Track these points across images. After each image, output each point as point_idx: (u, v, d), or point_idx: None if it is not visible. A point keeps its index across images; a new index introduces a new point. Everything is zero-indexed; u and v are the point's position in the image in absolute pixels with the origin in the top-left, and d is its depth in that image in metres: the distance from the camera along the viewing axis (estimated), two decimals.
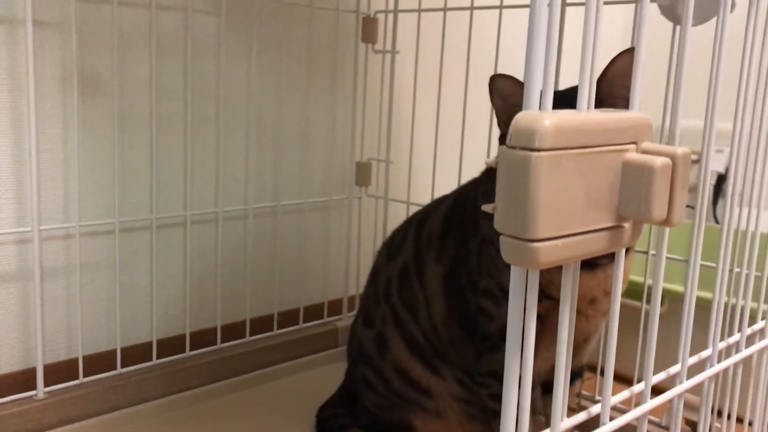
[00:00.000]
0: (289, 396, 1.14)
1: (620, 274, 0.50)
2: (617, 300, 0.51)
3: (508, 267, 0.86)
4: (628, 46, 0.74)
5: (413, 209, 1.24)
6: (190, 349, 1.14)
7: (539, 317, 0.87)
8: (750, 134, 0.77)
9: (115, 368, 1.06)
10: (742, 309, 0.78)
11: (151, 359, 1.09)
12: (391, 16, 1.28)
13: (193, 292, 1.17)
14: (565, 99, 0.84)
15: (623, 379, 1.07)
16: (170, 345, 1.13)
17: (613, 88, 0.83)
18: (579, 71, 0.43)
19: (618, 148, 0.42)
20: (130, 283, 1.11)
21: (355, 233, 1.35)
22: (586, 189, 0.41)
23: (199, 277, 1.18)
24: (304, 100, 1.26)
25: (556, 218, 0.39)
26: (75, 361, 1.03)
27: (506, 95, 0.86)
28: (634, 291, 1.12)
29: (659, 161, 0.41)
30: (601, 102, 0.83)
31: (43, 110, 0.99)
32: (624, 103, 0.84)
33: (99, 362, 1.06)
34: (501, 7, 1.15)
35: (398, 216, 1.27)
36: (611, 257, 0.86)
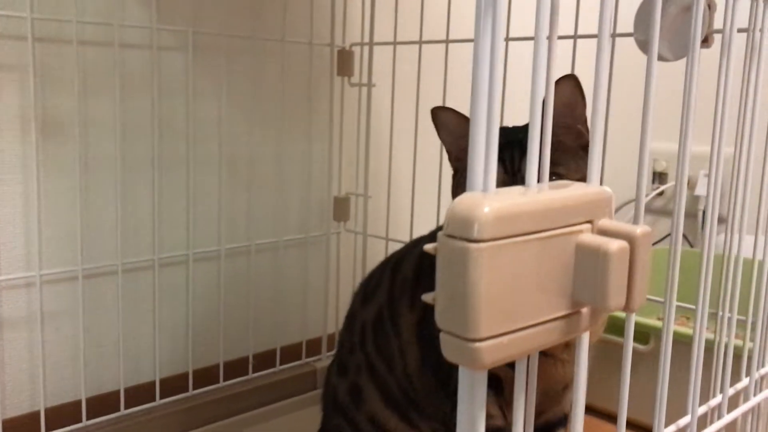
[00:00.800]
0: None
1: (583, 362, 0.46)
2: (581, 387, 0.47)
3: None
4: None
5: (393, 245, 1.21)
6: (161, 397, 1.10)
7: (511, 365, 0.84)
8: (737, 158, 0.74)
9: (80, 421, 1.02)
10: (750, 351, 0.75)
11: (118, 410, 1.05)
12: (366, 48, 1.24)
13: (163, 337, 1.13)
14: (509, 146, 0.81)
15: (611, 417, 1.03)
16: (139, 393, 1.09)
17: (561, 119, 0.80)
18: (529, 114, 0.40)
19: (571, 230, 0.39)
20: (96, 331, 1.07)
21: (334, 270, 1.32)
22: (535, 278, 0.37)
23: (171, 322, 1.14)
24: (279, 136, 1.22)
25: (501, 313, 0.36)
26: (37, 413, 0.99)
27: (451, 129, 0.84)
28: (616, 326, 1.08)
29: (614, 246, 0.37)
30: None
31: (1, 155, 0.96)
32: (569, 133, 0.81)
33: (64, 414, 1.02)
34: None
35: (378, 252, 1.23)
36: None
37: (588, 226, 0.40)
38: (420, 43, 1.19)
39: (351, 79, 1.27)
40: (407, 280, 0.93)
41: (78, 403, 1.03)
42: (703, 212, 1.67)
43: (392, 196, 1.27)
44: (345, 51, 1.27)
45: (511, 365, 0.83)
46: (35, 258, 0.99)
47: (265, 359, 1.23)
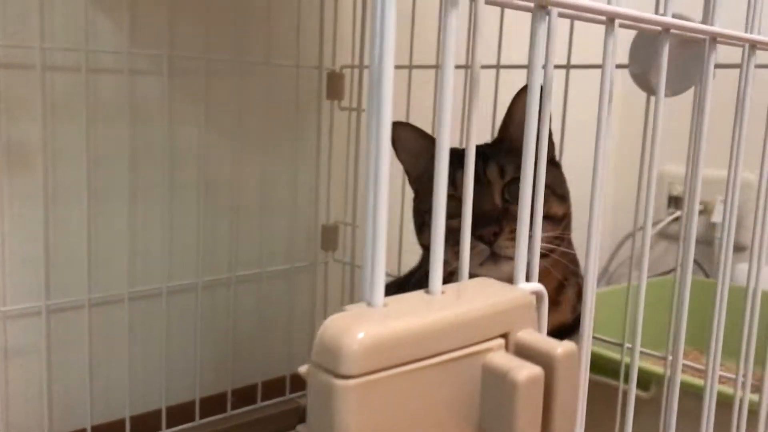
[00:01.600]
0: None
1: None
2: None
3: None
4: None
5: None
6: None
7: None
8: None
9: None
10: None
11: None
12: (357, 71, 1.19)
13: (136, 372, 1.08)
14: (479, 152, 0.76)
15: None
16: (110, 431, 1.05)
17: (519, 130, 0.75)
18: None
19: (479, 349, 0.33)
20: (66, 367, 1.03)
21: (321, 301, 1.26)
22: (429, 412, 0.31)
23: (144, 357, 1.09)
24: (264, 161, 1.17)
25: None
26: None
27: (409, 147, 0.80)
28: (610, 367, 1.01)
29: (523, 375, 0.31)
30: (511, 149, 0.74)
31: None
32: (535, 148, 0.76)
33: None
34: (467, 66, 1.06)
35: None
36: (553, 335, 0.77)
37: (500, 342, 0.34)
38: (410, 67, 1.13)
39: (341, 102, 1.21)
40: None
41: None
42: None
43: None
44: (335, 74, 1.21)
45: None
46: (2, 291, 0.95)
47: (245, 395, 1.18)
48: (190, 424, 1.11)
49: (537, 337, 0.34)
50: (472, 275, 0.69)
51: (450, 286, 0.35)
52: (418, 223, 0.79)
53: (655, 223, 1.71)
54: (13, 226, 0.96)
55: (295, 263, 1.23)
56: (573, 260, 0.80)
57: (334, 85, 1.21)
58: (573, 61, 0.97)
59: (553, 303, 0.78)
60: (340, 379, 0.28)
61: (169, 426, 1.09)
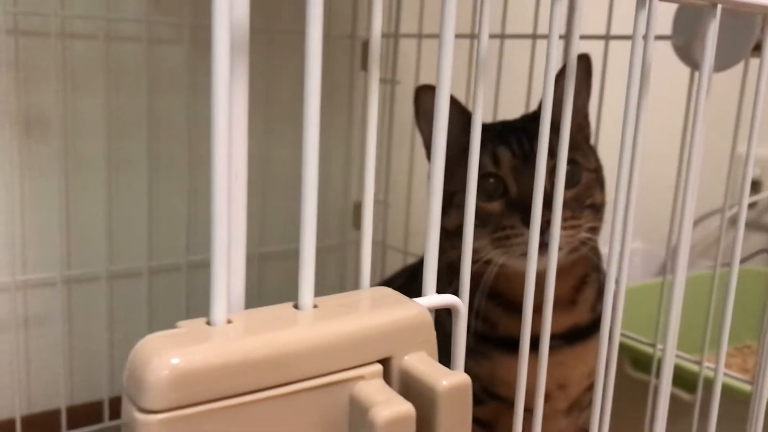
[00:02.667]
0: None
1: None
2: None
3: (448, 360, 0.72)
4: None
5: (411, 260, 1.10)
6: None
7: (486, 425, 0.71)
8: None
9: (59, 430, 0.98)
10: None
11: (102, 421, 1.01)
12: (391, 41, 1.12)
13: None
14: (513, 131, 0.68)
15: None
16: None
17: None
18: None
19: (342, 377, 0.27)
20: (85, 337, 1.03)
21: (352, 281, 1.22)
22: None
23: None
24: (294, 136, 1.13)
25: None
26: (12, 421, 0.96)
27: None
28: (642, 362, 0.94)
29: (384, 415, 0.25)
30: (551, 126, 0.67)
31: None
32: (575, 125, 0.68)
33: (43, 422, 0.99)
34: (503, 36, 0.98)
35: (396, 265, 1.13)
36: (565, 338, 0.70)
37: (377, 368, 0.28)
38: (419, 36, 1.06)
39: None
40: None
41: (57, 411, 0.99)
42: None
43: (412, 207, 1.15)
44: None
45: (484, 425, 0.70)
46: (20, 261, 0.95)
47: None
48: None
49: (423, 365, 0.28)
50: (507, 269, 0.62)
51: (329, 298, 0.29)
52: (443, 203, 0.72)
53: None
54: (32, 196, 0.96)
55: (326, 241, 1.19)
56: (597, 253, 0.72)
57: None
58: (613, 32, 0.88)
59: (570, 302, 0.70)
60: (142, 413, 0.24)
61: None
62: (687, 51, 0.77)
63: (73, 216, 0.99)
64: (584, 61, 0.66)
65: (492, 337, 0.70)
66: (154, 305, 1.06)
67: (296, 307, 0.28)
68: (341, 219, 1.20)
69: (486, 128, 0.72)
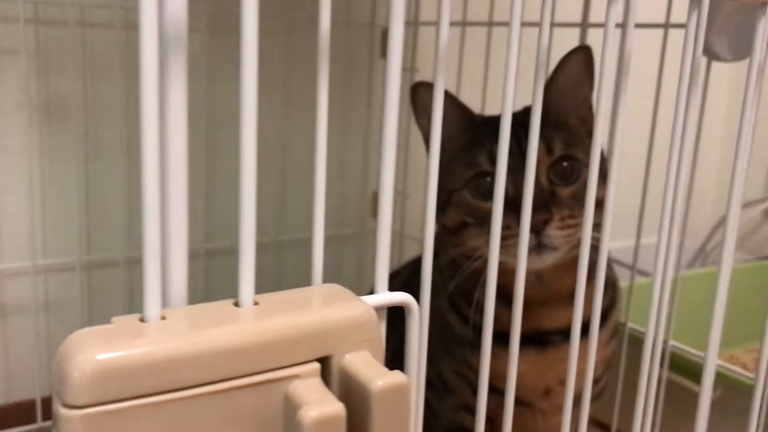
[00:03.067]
0: None
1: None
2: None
3: (449, 354, 0.71)
4: None
5: None
6: None
7: (487, 418, 0.71)
8: None
9: None
10: None
11: None
12: (410, 29, 1.12)
13: None
14: (513, 125, 0.66)
15: None
16: None
17: (564, 98, 0.65)
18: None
19: (277, 375, 0.27)
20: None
21: (370, 270, 1.22)
22: None
23: None
24: (312, 124, 1.13)
25: None
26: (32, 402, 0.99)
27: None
28: (684, 366, 0.91)
29: (312, 415, 0.25)
30: (549, 120, 0.65)
31: (4, 142, 0.94)
32: (574, 116, 0.67)
33: None
34: (524, 24, 0.96)
35: (413, 255, 1.12)
36: (566, 334, 0.68)
37: (315, 367, 0.28)
38: (463, 24, 1.04)
39: None
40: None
41: None
42: None
43: (430, 197, 1.14)
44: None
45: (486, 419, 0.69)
46: (39, 246, 0.97)
47: None
48: None
49: (362, 364, 0.28)
50: (506, 265, 0.61)
51: (272, 295, 0.29)
52: (440, 200, 0.71)
53: (759, 201, 1.54)
54: (52, 182, 0.98)
55: (344, 230, 1.19)
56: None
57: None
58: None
59: (572, 298, 0.69)
60: (66, 408, 0.24)
61: None
62: (705, 42, 0.74)
63: (93, 201, 1.01)
64: (585, 52, 0.64)
65: (494, 332, 0.69)
66: None
67: (237, 304, 0.28)
68: (359, 208, 1.20)
69: (486, 122, 0.70)
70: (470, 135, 0.67)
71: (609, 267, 0.73)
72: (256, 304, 0.28)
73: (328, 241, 1.24)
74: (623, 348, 0.85)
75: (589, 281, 0.71)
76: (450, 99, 0.68)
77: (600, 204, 0.67)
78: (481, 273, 0.67)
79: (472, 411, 0.73)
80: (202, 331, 0.26)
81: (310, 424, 0.25)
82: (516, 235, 0.61)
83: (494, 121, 0.70)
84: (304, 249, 1.14)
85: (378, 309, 0.31)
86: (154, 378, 0.25)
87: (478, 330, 0.70)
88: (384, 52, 1.13)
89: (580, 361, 0.70)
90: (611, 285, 0.72)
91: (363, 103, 1.16)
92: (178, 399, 0.25)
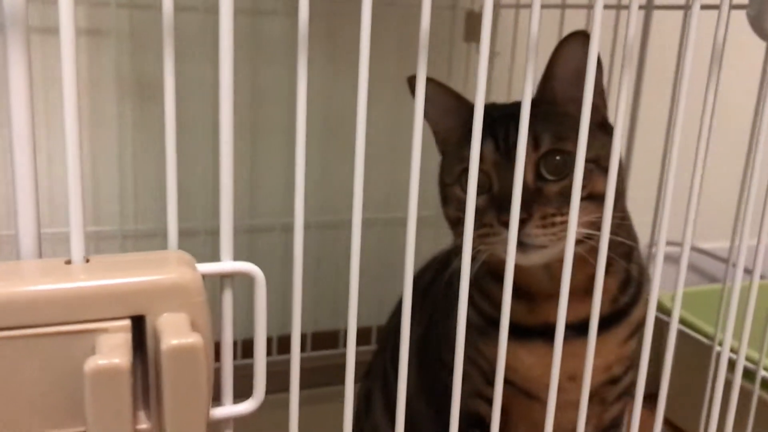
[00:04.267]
0: None
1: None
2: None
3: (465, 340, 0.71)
4: None
5: None
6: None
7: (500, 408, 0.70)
8: None
9: None
10: None
11: None
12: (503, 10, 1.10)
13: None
14: (505, 118, 0.64)
15: None
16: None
17: (566, 87, 0.62)
18: None
19: (87, 327, 0.29)
20: None
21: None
22: (7, 383, 0.29)
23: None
24: (394, 107, 1.14)
25: None
26: None
27: (435, 102, 0.69)
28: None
29: (92, 364, 0.27)
30: (551, 113, 0.62)
31: (102, 116, 1.04)
32: (578, 105, 0.63)
33: None
34: (619, 7, 0.92)
35: None
36: (577, 329, 0.65)
37: (125, 324, 0.30)
38: (563, 7, 1.01)
39: (479, 45, 1.13)
40: (421, 289, 0.83)
41: None
42: None
43: None
44: (475, 14, 1.13)
45: (489, 402, 0.69)
46: (127, 212, 1.07)
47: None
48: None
49: (169, 325, 0.29)
50: (500, 264, 0.61)
51: (107, 256, 0.32)
52: (442, 195, 0.70)
53: None
54: (142, 154, 1.06)
55: (423, 212, 1.19)
56: (620, 244, 0.67)
57: (472, 27, 1.13)
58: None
59: (585, 293, 0.66)
60: None
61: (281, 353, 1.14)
62: (758, 21, 0.68)
63: (180, 174, 1.08)
64: (582, 37, 0.61)
65: (499, 322, 0.68)
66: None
67: (67, 262, 0.31)
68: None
69: (485, 114, 0.69)
70: (467, 128, 0.66)
71: (632, 262, 0.69)
72: (87, 262, 0.31)
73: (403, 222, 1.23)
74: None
75: (605, 275, 0.68)
76: (448, 91, 0.68)
77: (603, 198, 0.63)
78: (487, 263, 0.66)
79: (482, 397, 0.72)
80: (22, 280, 0.29)
81: (90, 373, 0.27)
82: (496, 234, 0.59)
83: (491, 113, 0.68)
84: (381, 227, 1.16)
85: (224, 275, 0.33)
86: None
87: (485, 317, 0.69)
88: (467, 36, 1.12)
89: (596, 357, 0.67)
90: (635, 281, 0.68)
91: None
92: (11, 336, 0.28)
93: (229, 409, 0.34)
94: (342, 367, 0.46)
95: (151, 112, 1.05)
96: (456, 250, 0.73)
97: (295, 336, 0.35)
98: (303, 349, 1.17)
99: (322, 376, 1.05)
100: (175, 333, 0.29)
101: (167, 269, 0.31)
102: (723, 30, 0.43)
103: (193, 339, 0.29)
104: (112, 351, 0.28)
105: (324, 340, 1.19)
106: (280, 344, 1.16)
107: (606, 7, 0.91)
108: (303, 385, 1.16)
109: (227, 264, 0.33)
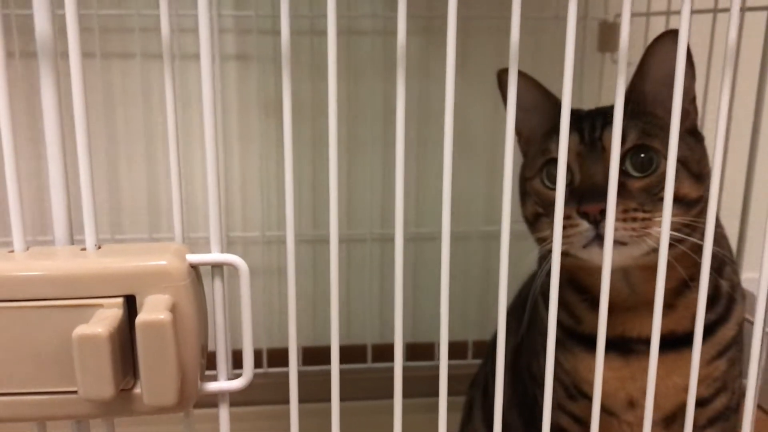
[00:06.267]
0: None
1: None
2: None
3: (543, 348, 0.71)
4: None
5: None
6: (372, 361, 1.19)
7: (581, 421, 0.70)
8: None
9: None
10: None
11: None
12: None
13: (374, 305, 1.20)
14: (593, 116, 0.62)
15: None
16: (348, 353, 1.20)
17: (657, 88, 0.61)
18: None
19: (87, 302, 0.35)
20: (323, 289, 1.21)
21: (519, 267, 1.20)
22: (24, 346, 0.36)
23: (380, 293, 1.21)
24: (492, 110, 1.15)
25: None
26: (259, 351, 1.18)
27: (523, 102, 0.67)
28: None
29: (78, 332, 0.33)
30: (639, 112, 0.60)
31: (248, 132, 1.15)
32: (686, 102, 0.61)
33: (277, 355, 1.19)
34: (716, 10, 0.87)
35: None
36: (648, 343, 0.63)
37: (117, 301, 0.35)
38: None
39: (614, 55, 1.11)
40: (519, 300, 0.84)
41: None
42: None
43: None
44: (608, 24, 1.11)
45: (580, 422, 0.68)
46: (268, 218, 1.17)
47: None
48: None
49: (151, 304, 0.35)
50: (572, 258, 0.61)
51: (118, 246, 0.38)
52: (521, 191, 0.71)
53: None
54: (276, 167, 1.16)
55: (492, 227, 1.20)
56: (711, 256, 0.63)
57: (607, 37, 1.11)
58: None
59: (667, 306, 0.63)
60: None
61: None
62: None
63: (318, 185, 1.17)
64: (675, 37, 0.59)
65: (576, 333, 0.67)
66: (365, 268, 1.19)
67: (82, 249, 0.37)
68: None
69: (572, 113, 0.68)
70: (553, 123, 0.66)
71: (723, 277, 0.65)
72: (98, 248, 0.37)
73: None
74: None
75: (689, 289, 0.64)
76: (539, 88, 0.68)
77: (692, 203, 0.60)
78: (566, 271, 0.65)
79: (563, 410, 0.71)
80: (42, 262, 0.36)
81: (76, 339, 0.33)
82: (574, 225, 0.59)
83: (580, 112, 0.67)
84: (485, 240, 1.17)
85: (213, 265, 0.38)
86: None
87: (563, 328, 0.68)
88: (601, 46, 1.11)
89: (674, 375, 0.65)
90: (724, 298, 0.64)
91: (575, 97, 1.14)
92: (16, 308, 0.35)
93: (220, 384, 0.39)
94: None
95: (293, 130, 1.14)
96: (541, 256, 0.73)
97: (292, 345, 0.39)
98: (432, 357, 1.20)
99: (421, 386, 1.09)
100: (151, 311, 0.34)
101: (158, 257, 0.36)
102: None
103: (163, 316, 0.33)
104: (100, 322, 0.34)
105: (423, 351, 1.21)
106: (374, 353, 1.20)
107: (695, 11, 0.86)
108: (404, 394, 1.18)
109: (215, 256, 0.37)
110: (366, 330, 1.21)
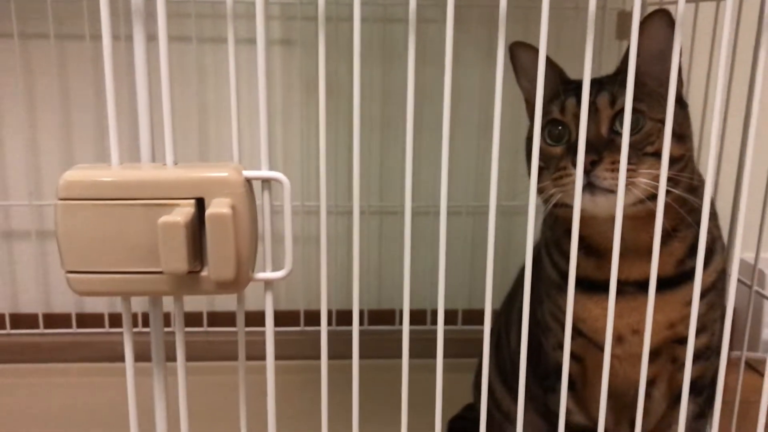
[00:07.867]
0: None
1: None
2: None
3: (547, 296, 0.80)
4: None
5: None
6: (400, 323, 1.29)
7: (577, 358, 0.79)
8: None
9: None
10: None
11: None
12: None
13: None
14: (592, 84, 0.71)
15: None
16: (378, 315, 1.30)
17: (647, 63, 0.69)
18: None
19: (164, 202, 0.46)
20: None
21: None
22: (116, 234, 0.46)
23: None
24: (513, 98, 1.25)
25: (83, 256, 0.47)
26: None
27: (531, 72, 0.76)
28: None
29: (162, 220, 0.44)
30: (622, 79, 0.69)
31: (290, 111, 1.26)
32: (657, 81, 0.69)
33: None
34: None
35: None
36: (639, 286, 0.71)
37: (190, 202, 0.46)
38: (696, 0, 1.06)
39: None
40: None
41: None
42: None
43: None
44: (626, 13, 1.20)
45: (577, 359, 0.77)
46: (306, 190, 1.28)
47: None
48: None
49: (216, 204, 0.45)
50: (568, 209, 0.70)
51: (189, 163, 0.48)
52: (526, 150, 0.80)
53: None
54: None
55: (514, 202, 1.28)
56: (693, 210, 0.72)
57: (625, 25, 1.20)
58: None
59: (649, 252, 0.71)
60: (59, 201, 0.47)
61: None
62: None
63: (349, 161, 1.27)
64: (666, 15, 0.68)
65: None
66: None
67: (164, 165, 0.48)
68: None
69: (571, 81, 0.77)
70: (555, 89, 0.75)
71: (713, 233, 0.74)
72: (176, 164, 0.48)
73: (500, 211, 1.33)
74: None
75: (672, 239, 0.73)
76: (548, 61, 0.77)
77: (673, 160, 0.69)
78: (566, 222, 0.75)
79: (562, 348, 0.80)
80: (132, 172, 0.47)
81: (160, 224, 0.44)
82: (569, 175, 0.68)
83: (574, 82, 0.76)
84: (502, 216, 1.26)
85: (263, 180, 0.48)
86: (99, 190, 0.46)
87: (562, 274, 0.78)
88: (620, 34, 1.19)
89: (658, 314, 0.73)
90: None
91: None
92: (112, 204, 0.46)
93: (267, 273, 0.49)
94: None
95: (330, 109, 1.25)
96: (544, 220, 0.82)
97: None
98: (455, 322, 1.30)
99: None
100: (215, 207, 0.44)
101: (222, 170, 0.47)
102: None
103: (226, 210, 0.44)
104: (178, 213, 0.44)
105: (479, 316, 1.30)
106: (464, 316, 1.31)
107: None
108: (458, 355, 1.25)
109: (264, 172, 0.48)
110: (395, 296, 1.31)
